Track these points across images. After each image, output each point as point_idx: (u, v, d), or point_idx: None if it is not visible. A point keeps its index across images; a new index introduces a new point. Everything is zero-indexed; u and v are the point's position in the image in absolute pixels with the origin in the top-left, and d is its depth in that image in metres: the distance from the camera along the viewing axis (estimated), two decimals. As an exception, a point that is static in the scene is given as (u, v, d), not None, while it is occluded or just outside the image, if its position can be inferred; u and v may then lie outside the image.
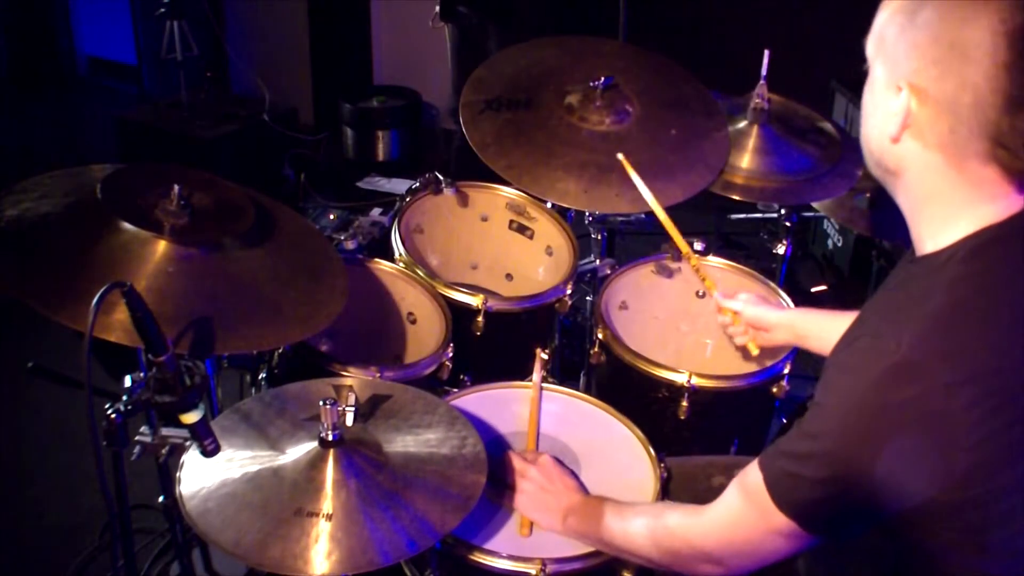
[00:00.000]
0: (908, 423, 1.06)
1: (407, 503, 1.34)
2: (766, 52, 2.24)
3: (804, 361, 1.84)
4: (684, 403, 1.88)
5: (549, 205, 2.36)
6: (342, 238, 2.26)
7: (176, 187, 1.56)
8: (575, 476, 1.63)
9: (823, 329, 1.72)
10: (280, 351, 1.89)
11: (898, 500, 1.11)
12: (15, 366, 2.86)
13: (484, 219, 2.42)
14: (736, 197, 2.23)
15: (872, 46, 1.19)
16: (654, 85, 2.33)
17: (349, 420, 1.45)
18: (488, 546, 1.48)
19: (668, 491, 1.64)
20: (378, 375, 1.77)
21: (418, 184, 2.33)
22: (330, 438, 1.38)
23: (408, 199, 2.31)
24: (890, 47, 1.15)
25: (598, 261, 2.44)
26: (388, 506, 1.33)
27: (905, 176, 1.17)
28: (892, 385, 1.06)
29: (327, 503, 1.32)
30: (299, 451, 1.40)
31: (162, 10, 3.95)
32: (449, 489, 1.39)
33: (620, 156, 2.03)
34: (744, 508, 1.24)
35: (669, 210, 2.03)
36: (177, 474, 1.40)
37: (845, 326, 1.23)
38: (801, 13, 3.85)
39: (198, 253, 1.56)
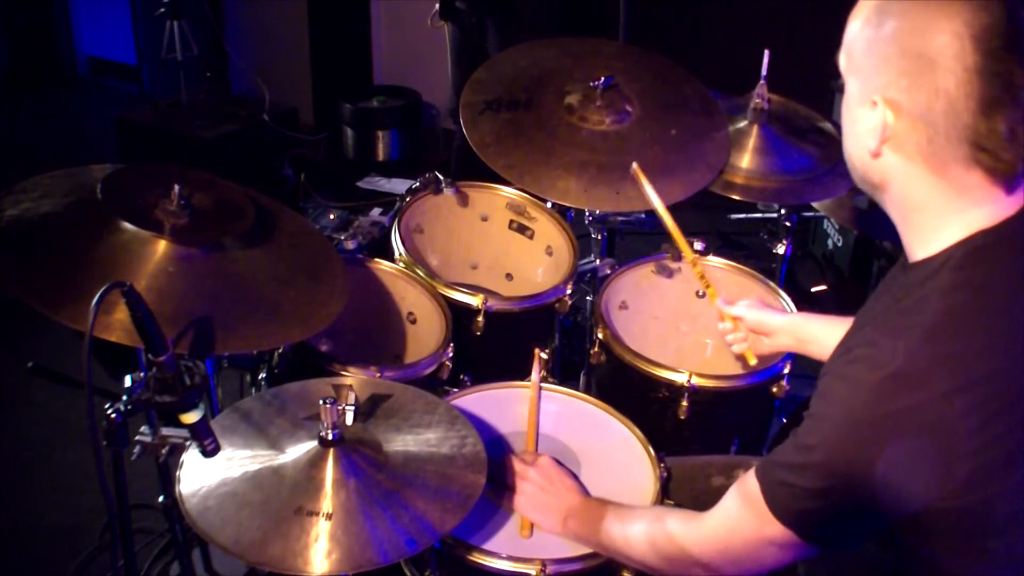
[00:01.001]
0: (906, 432, 1.06)
1: (407, 502, 1.34)
2: (766, 52, 2.24)
3: (804, 361, 1.84)
4: (684, 403, 1.88)
5: (549, 205, 2.36)
6: (342, 238, 2.26)
7: (176, 187, 1.56)
8: (575, 477, 1.63)
9: (825, 335, 1.71)
10: (280, 351, 1.89)
11: (896, 509, 1.10)
12: (15, 366, 2.87)
13: (484, 219, 2.42)
14: (736, 197, 2.23)
15: (844, 62, 1.19)
16: (654, 85, 2.33)
17: (349, 419, 1.45)
18: (488, 546, 1.48)
19: (668, 491, 1.64)
20: (378, 375, 1.77)
21: (418, 184, 2.33)
22: (330, 437, 1.38)
23: (408, 199, 2.31)
24: (859, 62, 1.14)
25: (598, 261, 2.44)
26: (388, 505, 1.33)
27: (891, 188, 1.17)
28: (889, 394, 1.06)
29: (327, 502, 1.32)
30: (299, 450, 1.40)
31: (162, 10, 3.95)
32: (449, 488, 1.39)
33: (634, 166, 2.00)
34: (741, 517, 1.24)
35: (669, 209, 2.02)
36: (177, 473, 1.40)
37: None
38: (801, 13, 3.84)
39: (198, 253, 1.56)
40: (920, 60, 1.07)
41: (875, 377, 1.07)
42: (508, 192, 2.37)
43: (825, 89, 3.54)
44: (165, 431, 1.46)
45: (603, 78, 2.21)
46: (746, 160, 2.25)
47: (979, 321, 1.09)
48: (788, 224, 2.43)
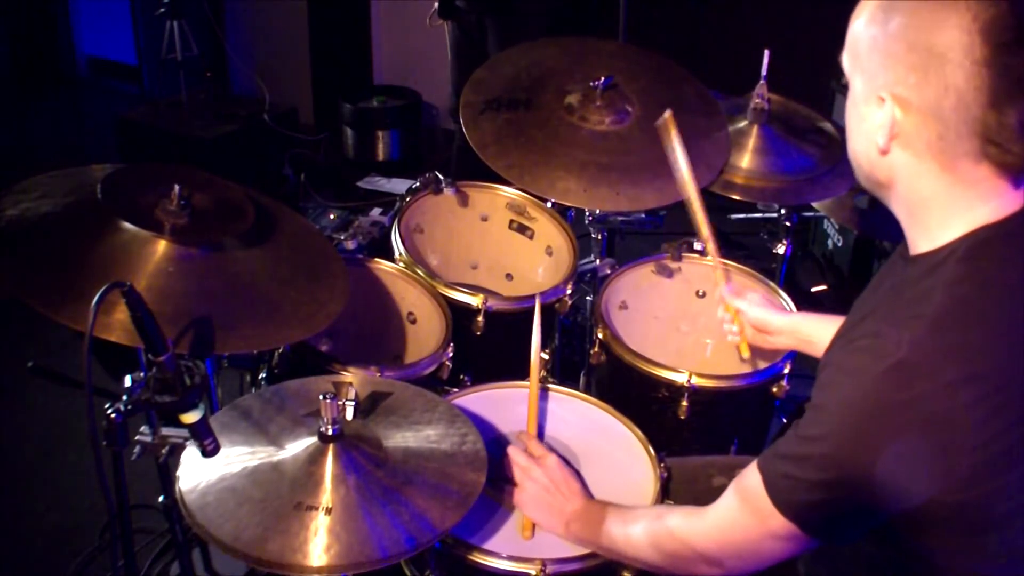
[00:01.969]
0: (910, 423, 1.05)
1: (406, 499, 1.34)
2: (766, 52, 2.24)
3: (804, 361, 1.84)
4: (684, 403, 1.88)
5: (549, 205, 2.36)
6: (342, 238, 2.26)
7: (176, 187, 1.56)
8: (580, 478, 1.62)
9: (826, 335, 1.69)
10: (280, 351, 1.89)
11: (899, 501, 1.10)
12: (15, 366, 2.88)
13: (484, 219, 2.42)
14: (736, 197, 2.23)
15: (848, 60, 1.18)
16: (654, 85, 2.33)
17: (349, 415, 1.45)
18: (488, 546, 1.48)
19: (668, 491, 1.64)
20: (378, 375, 1.77)
21: (418, 184, 2.33)
22: (330, 433, 1.38)
23: (408, 199, 2.31)
24: (866, 60, 1.14)
25: (598, 261, 2.44)
26: (387, 502, 1.33)
27: (898, 185, 1.17)
28: (893, 385, 1.06)
29: (326, 497, 1.32)
30: (298, 446, 1.40)
31: (162, 10, 3.95)
32: (449, 486, 1.39)
33: (667, 114, 1.91)
34: (743, 510, 1.24)
35: (669, 209, 2.02)
36: (177, 472, 1.40)
37: None
38: (801, 13, 3.85)
39: (198, 253, 1.56)
40: (929, 56, 1.07)
41: (880, 367, 1.06)
42: (508, 192, 2.37)
43: (825, 89, 3.54)
44: (165, 431, 1.46)
45: (603, 78, 2.21)
46: (746, 160, 2.26)
47: (985, 314, 1.09)
48: (788, 224, 2.43)
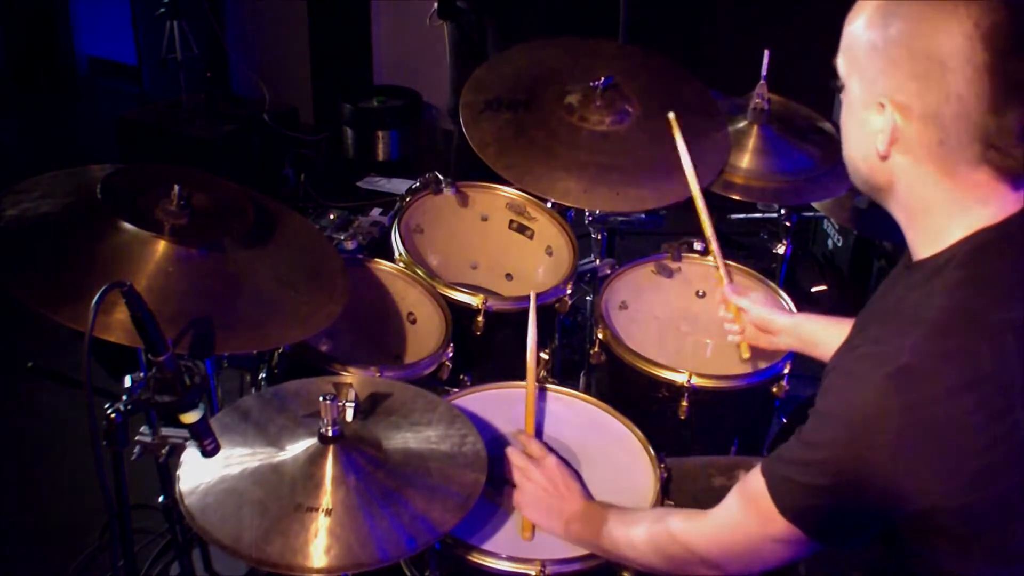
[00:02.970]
0: (912, 428, 1.05)
1: (406, 500, 1.34)
2: (766, 52, 2.24)
3: (804, 361, 1.84)
4: (684, 403, 1.88)
5: (549, 205, 2.36)
6: (342, 238, 2.26)
7: (176, 187, 1.56)
8: (579, 478, 1.62)
9: (827, 335, 1.71)
10: (280, 351, 1.89)
11: (901, 506, 1.10)
12: (15, 366, 2.87)
13: (484, 219, 2.42)
14: (736, 197, 2.23)
15: (844, 64, 1.18)
16: (654, 85, 2.33)
17: (349, 416, 1.45)
18: (487, 547, 1.48)
19: (668, 491, 1.64)
20: (378, 375, 1.77)
21: (418, 184, 2.33)
22: (330, 434, 1.38)
23: (408, 199, 2.31)
24: (864, 64, 1.14)
25: (598, 261, 2.44)
26: (387, 503, 1.33)
27: (896, 190, 1.17)
28: (896, 390, 1.06)
29: (326, 498, 1.32)
30: (299, 447, 1.40)
31: (162, 10, 3.95)
32: (449, 487, 1.39)
33: (671, 115, 1.99)
34: (746, 513, 1.24)
35: (669, 209, 2.02)
36: (177, 472, 1.40)
37: None
38: (801, 13, 3.84)
39: (198, 253, 1.56)
40: (930, 63, 1.07)
41: (881, 373, 1.07)
42: (508, 192, 2.37)
43: (825, 89, 3.52)
44: (165, 431, 1.46)
45: (603, 78, 2.21)
46: (746, 160, 2.26)
47: (985, 318, 1.09)
48: (788, 224, 2.43)
